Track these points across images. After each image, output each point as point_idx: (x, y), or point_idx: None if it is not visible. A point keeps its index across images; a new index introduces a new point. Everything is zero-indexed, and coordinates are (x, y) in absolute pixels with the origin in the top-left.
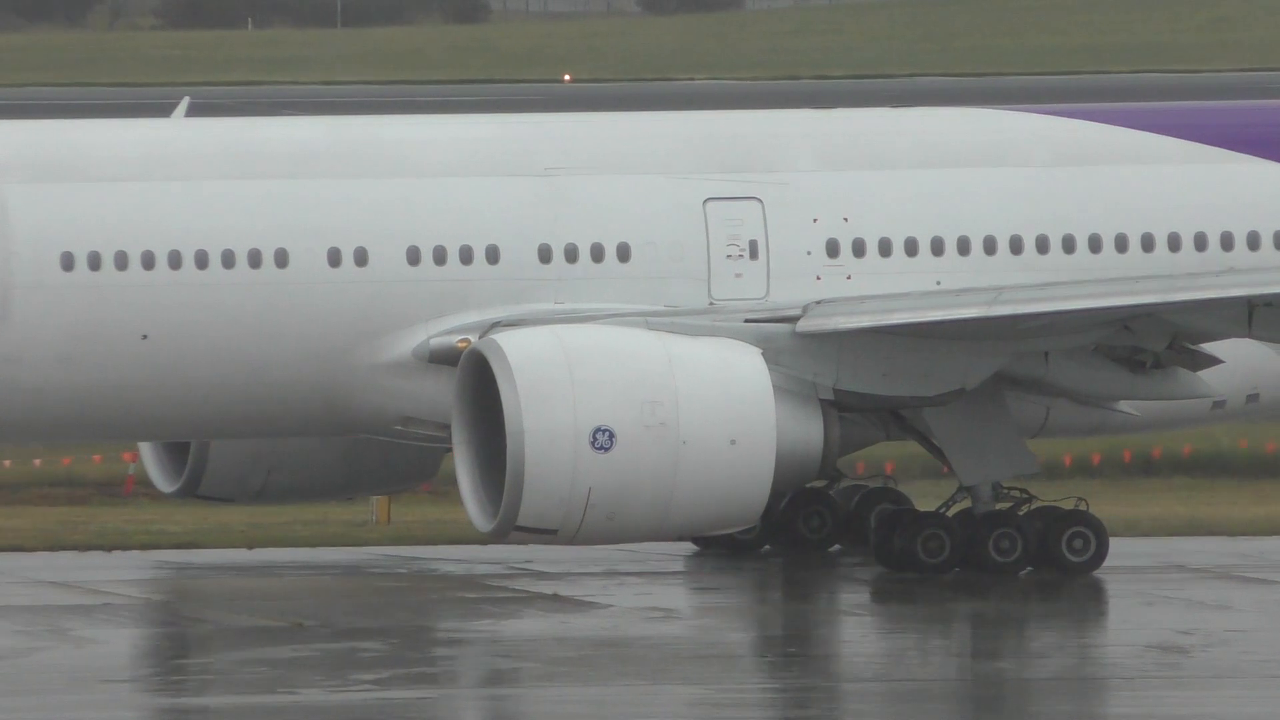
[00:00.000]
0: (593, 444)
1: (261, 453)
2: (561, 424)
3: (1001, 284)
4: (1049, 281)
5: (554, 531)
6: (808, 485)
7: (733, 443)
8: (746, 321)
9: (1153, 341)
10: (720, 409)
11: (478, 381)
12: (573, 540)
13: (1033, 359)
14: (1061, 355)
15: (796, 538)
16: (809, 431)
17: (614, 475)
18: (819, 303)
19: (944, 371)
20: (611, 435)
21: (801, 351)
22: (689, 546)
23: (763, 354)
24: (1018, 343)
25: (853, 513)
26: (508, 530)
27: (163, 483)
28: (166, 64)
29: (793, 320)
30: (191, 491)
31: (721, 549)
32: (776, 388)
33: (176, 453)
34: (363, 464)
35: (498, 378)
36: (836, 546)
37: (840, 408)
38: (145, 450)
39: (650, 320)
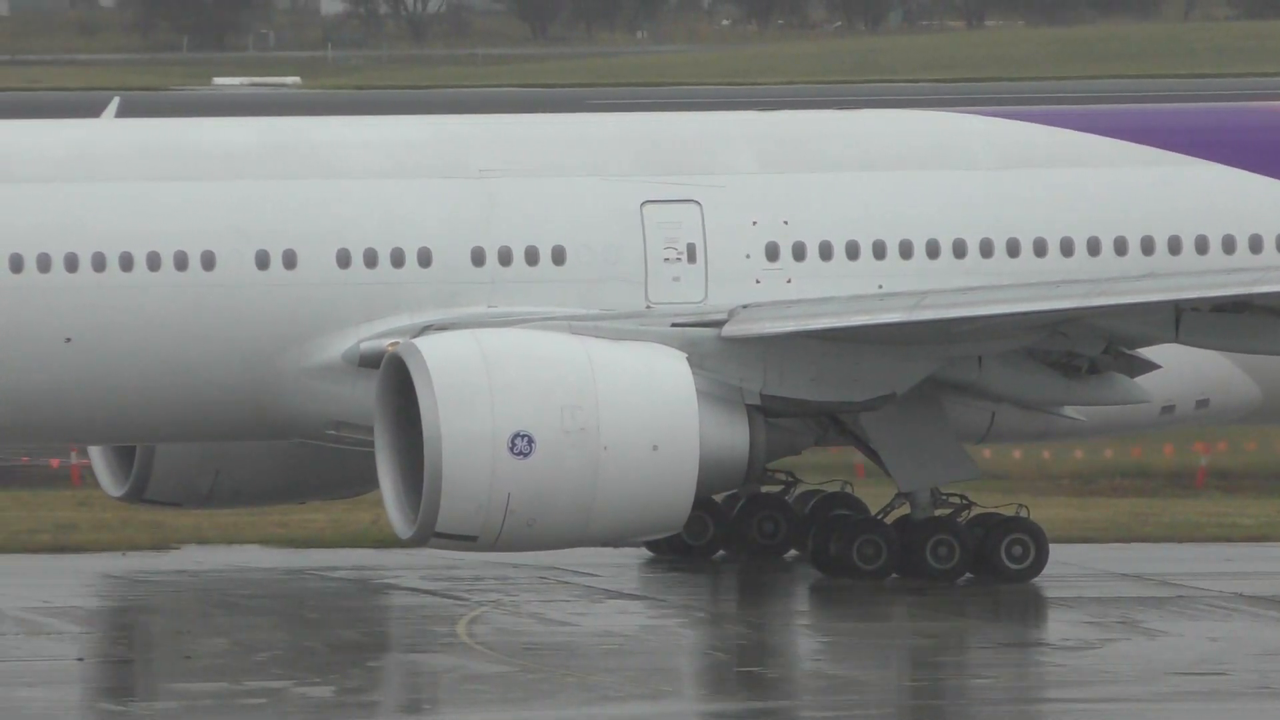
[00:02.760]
0: (511, 449)
1: (209, 456)
2: (480, 429)
3: (942, 288)
4: (974, 285)
5: (474, 538)
6: (763, 490)
7: (655, 448)
8: (673, 326)
9: (1086, 346)
10: (642, 414)
11: (400, 386)
12: (493, 547)
13: (965, 364)
14: (994, 360)
15: (750, 543)
16: (734, 437)
17: (533, 481)
18: (745, 307)
19: (873, 376)
20: (530, 440)
21: (727, 356)
22: (643, 552)
23: (688, 359)
24: (948, 347)
25: (808, 518)
26: (427, 537)
27: (111, 486)
28: (1240, 54)
29: (719, 324)
30: (139, 495)
31: (674, 554)
32: (701, 392)
33: (125, 455)
34: (312, 467)
35: (415, 382)
36: (792, 552)
37: (769, 413)
38: (94, 453)
39: (573, 324)
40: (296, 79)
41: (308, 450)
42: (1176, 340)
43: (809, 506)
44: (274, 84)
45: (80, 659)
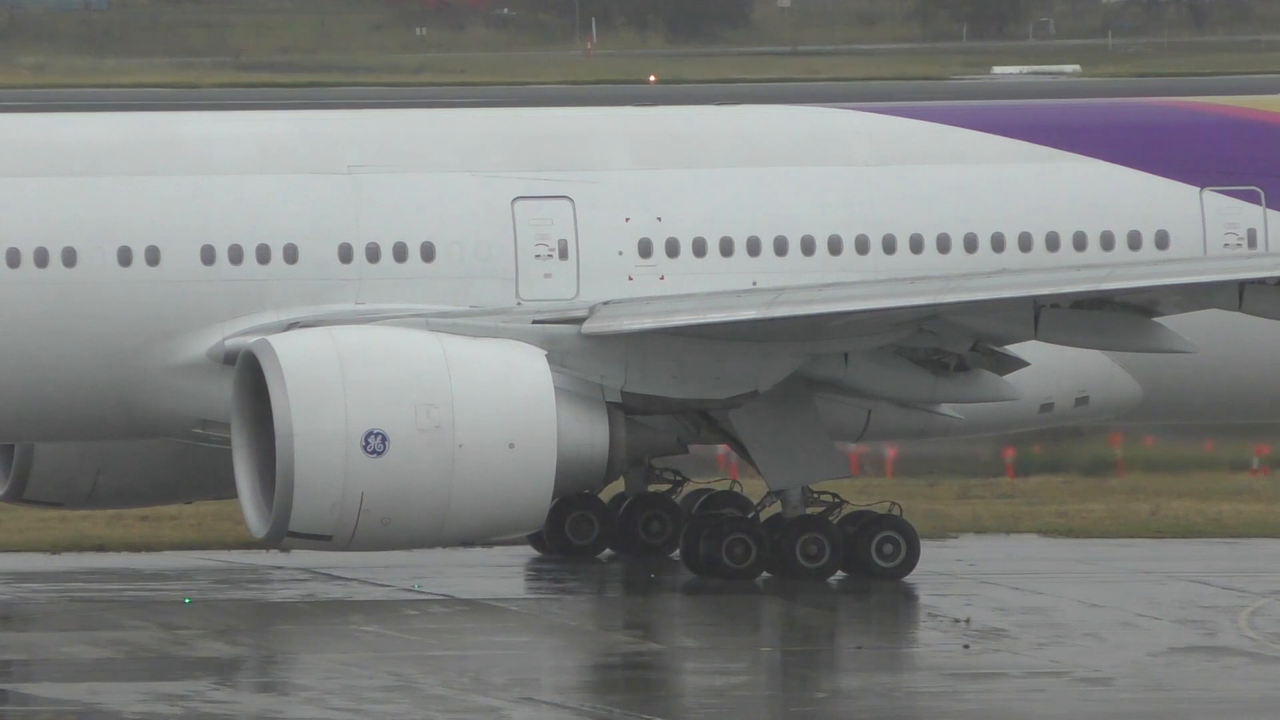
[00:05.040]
0: (365, 448)
1: (89, 455)
2: (332, 427)
3: (803, 285)
4: (831, 282)
5: (328, 537)
6: (649, 489)
7: (511, 446)
8: (534, 323)
9: (953, 344)
10: (498, 412)
11: (256, 383)
12: (348, 546)
13: (831, 361)
14: (861, 357)
15: (637, 543)
16: (593, 435)
17: (387, 479)
18: (606, 304)
19: (734, 373)
20: (384, 439)
21: (588, 353)
22: (530, 551)
23: (548, 356)
24: (810, 344)
25: (696, 517)
26: (281, 536)
27: None
28: None
29: (579, 321)
30: (19, 495)
31: (559, 553)
32: (560, 390)
33: (6, 454)
34: (194, 467)
35: (268, 379)
36: (678, 551)
37: (631, 410)
38: None
39: (431, 321)
40: (1076, 68)
41: (191, 448)
42: (1036, 337)
43: (697, 505)
44: (1053, 73)
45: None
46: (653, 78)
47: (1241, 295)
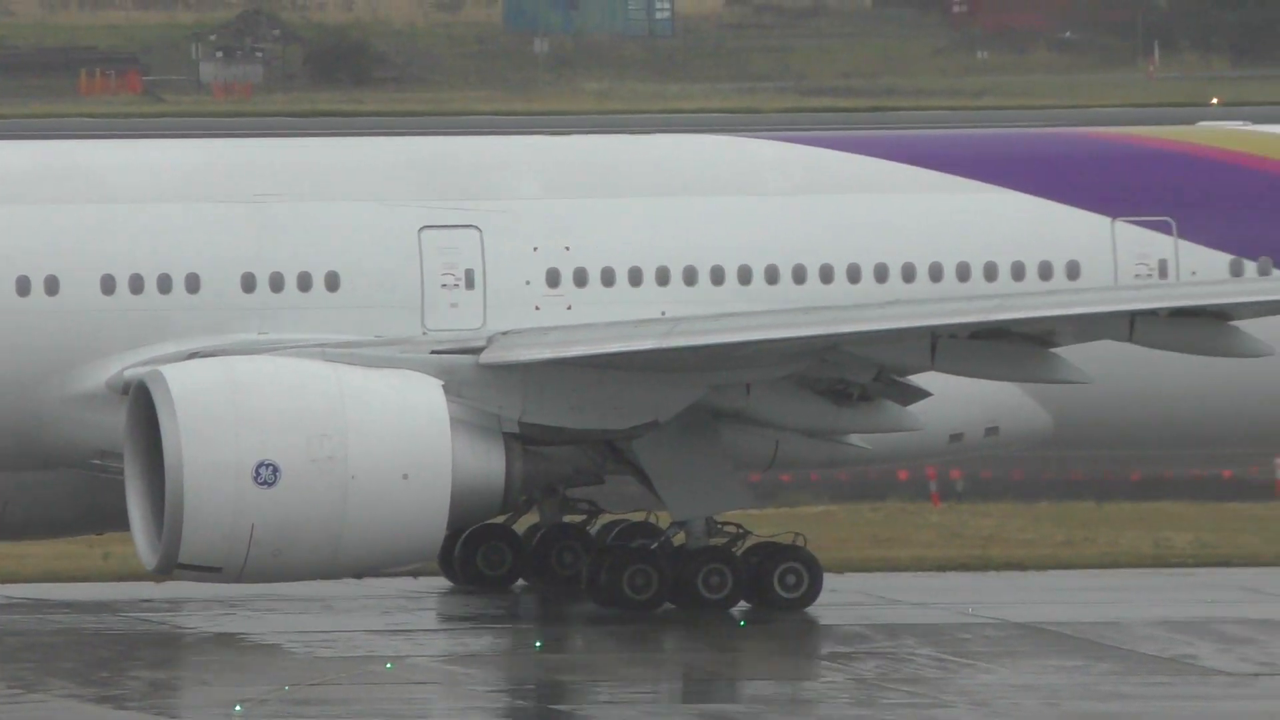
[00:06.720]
0: (256, 479)
1: None
2: (223, 457)
3: (714, 314)
4: (728, 313)
5: (218, 569)
6: (564, 520)
7: (405, 477)
8: (432, 353)
9: (855, 374)
10: (392, 442)
11: (150, 413)
12: (239, 578)
13: (733, 391)
14: (762, 387)
15: (550, 573)
16: (489, 466)
17: (278, 511)
18: (505, 333)
19: (633, 403)
20: (276, 469)
21: (486, 383)
22: (444, 582)
23: (445, 386)
24: (710, 374)
25: (601, 548)
26: (171, 567)
27: None
28: None
29: (478, 351)
30: None
31: (471, 584)
32: (456, 420)
33: None
34: (105, 498)
35: (159, 409)
36: None
37: (530, 441)
38: None
39: (327, 350)
40: None
41: (102, 480)
42: (934, 368)
43: (611, 536)
44: None
45: None
46: (1215, 100)
47: (1133, 327)
